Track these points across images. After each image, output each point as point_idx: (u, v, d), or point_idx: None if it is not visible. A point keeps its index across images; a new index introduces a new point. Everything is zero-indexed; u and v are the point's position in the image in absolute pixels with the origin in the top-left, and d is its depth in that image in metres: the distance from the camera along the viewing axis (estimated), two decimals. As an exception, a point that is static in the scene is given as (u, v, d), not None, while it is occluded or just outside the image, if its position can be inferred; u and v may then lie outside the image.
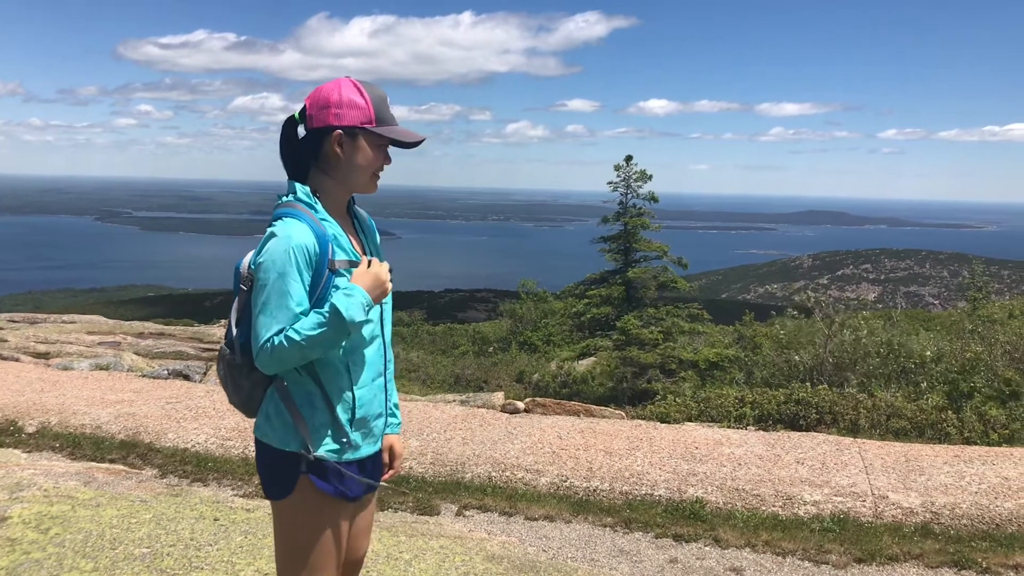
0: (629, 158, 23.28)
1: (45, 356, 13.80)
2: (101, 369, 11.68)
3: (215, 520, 4.82)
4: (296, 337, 2.26)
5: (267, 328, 2.29)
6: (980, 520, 5.79)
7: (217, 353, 2.54)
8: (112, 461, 7.13)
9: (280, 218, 2.40)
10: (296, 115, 2.50)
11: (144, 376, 11.11)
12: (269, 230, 2.38)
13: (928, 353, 11.07)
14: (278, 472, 2.42)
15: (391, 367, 2.64)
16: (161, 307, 73.46)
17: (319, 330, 2.27)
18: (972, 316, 16.57)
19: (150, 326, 21.20)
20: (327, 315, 2.29)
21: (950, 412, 8.46)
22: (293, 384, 2.42)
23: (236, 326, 2.45)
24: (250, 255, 2.48)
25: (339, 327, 2.29)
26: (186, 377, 11.06)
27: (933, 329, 15.79)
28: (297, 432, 2.39)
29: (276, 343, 2.26)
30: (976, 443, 7.79)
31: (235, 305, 2.47)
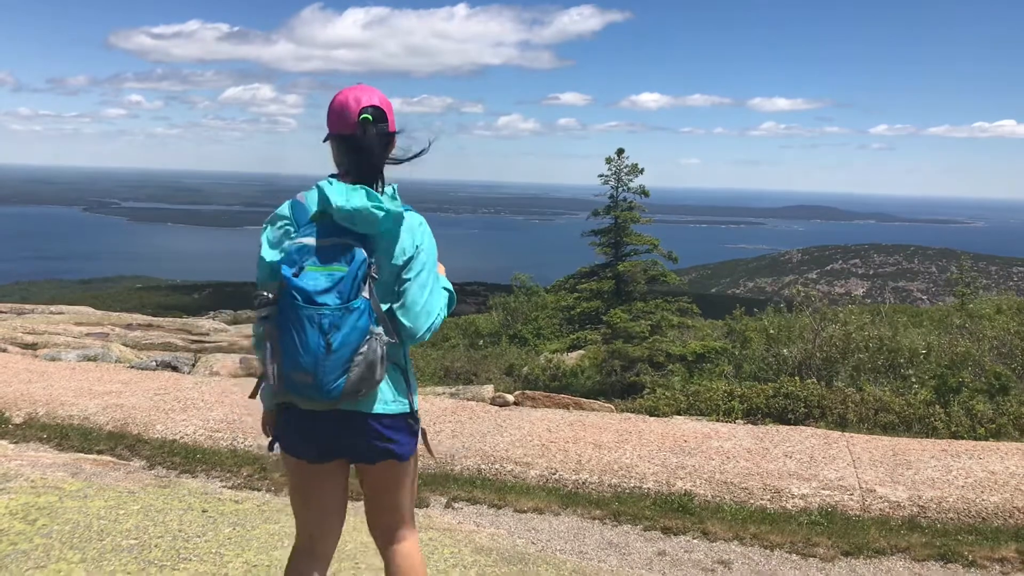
0: (621, 151, 23.21)
1: (32, 347, 13.74)
2: (89, 360, 11.63)
3: (203, 512, 4.81)
4: (446, 312, 2.81)
5: (437, 306, 2.75)
6: (967, 514, 5.82)
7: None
8: (100, 452, 7.10)
9: (409, 209, 2.75)
10: (370, 117, 2.71)
11: (132, 367, 11.06)
12: (416, 217, 2.78)
13: (921, 350, 11.12)
14: (412, 431, 2.82)
15: None
16: (149, 298, 73.19)
17: (447, 306, 2.85)
18: (960, 311, 16.64)
19: (138, 317, 21.14)
20: (449, 294, 2.89)
21: (938, 407, 8.49)
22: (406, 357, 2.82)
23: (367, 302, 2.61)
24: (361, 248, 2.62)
25: (452, 305, 2.90)
26: (174, 368, 11.02)
27: (921, 324, 15.87)
28: (411, 395, 2.83)
29: (443, 317, 2.77)
30: (963, 437, 7.83)
31: (369, 288, 2.61)
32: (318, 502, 2.82)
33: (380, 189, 2.76)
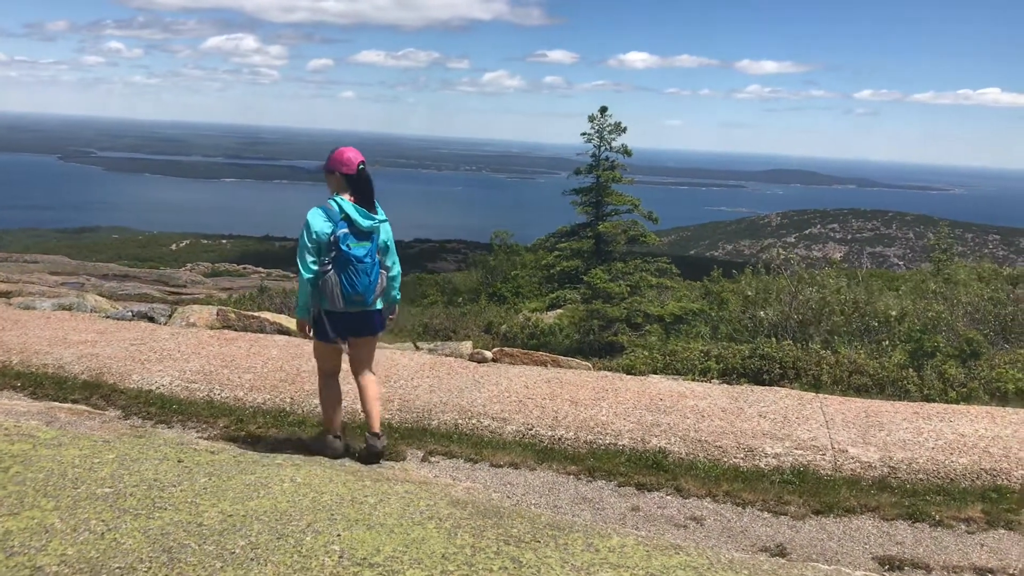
0: (604, 109, 23.08)
1: (6, 295, 13.61)
2: (64, 309, 11.54)
3: (179, 461, 4.79)
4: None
5: (398, 265, 5.72)
6: (935, 475, 5.91)
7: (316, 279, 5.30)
8: (75, 401, 7.06)
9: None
10: (363, 166, 5.36)
11: (108, 317, 10.98)
12: (384, 217, 5.44)
13: (892, 312, 11.22)
14: (384, 317, 5.67)
15: None
16: (126, 249, 72.51)
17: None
18: (935, 277, 16.79)
19: (115, 267, 20.98)
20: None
21: (911, 370, 8.59)
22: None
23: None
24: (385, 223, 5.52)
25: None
26: (151, 319, 10.94)
27: (897, 289, 16.00)
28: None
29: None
30: (935, 400, 7.93)
31: (379, 253, 5.46)
32: (335, 358, 5.69)
33: (374, 204, 5.38)
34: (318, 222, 5.22)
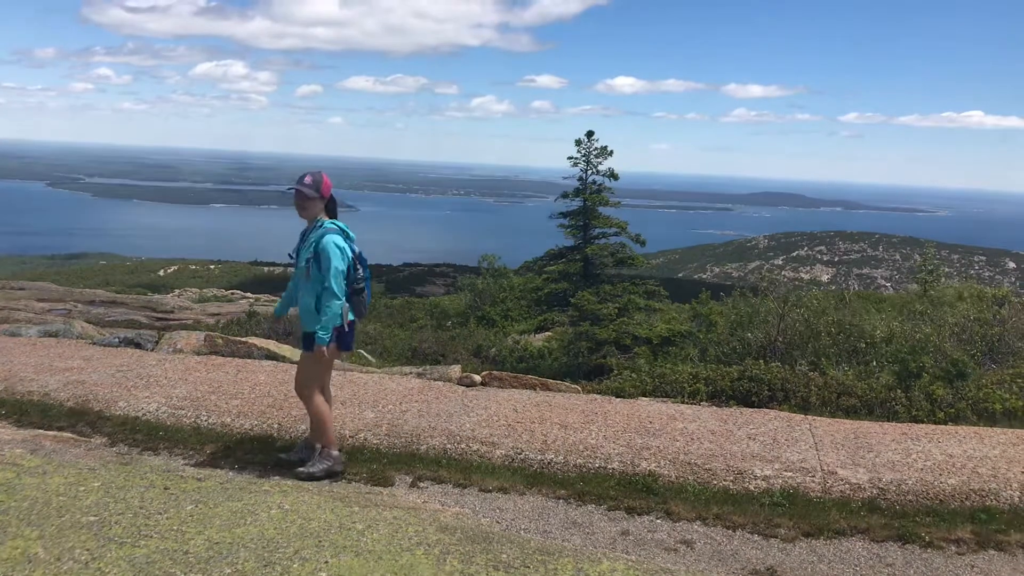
0: (590, 133, 23.22)
1: (-8, 322, 13.50)
2: (50, 336, 11.46)
3: (165, 489, 4.75)
4: None
5: None
6: (925, 496, 5.91)
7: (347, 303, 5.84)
8: (60, 429, 7.01)
9: None
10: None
11: (94, 344, 10.91)
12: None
13: (879, 333, 11.25)
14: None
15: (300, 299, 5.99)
16: (114, 275, 72.19)
17: None
18: (922, 298, 16.87)
19: (101, 294, 20.87)
20: None
21: (899, 391, 8.60)
22: None
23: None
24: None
25: None
26: (138, 345, 10.87)
27: (884, 310, 16.05)
28: None
29: None
30: (923, 421, 7.93)
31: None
32: (331, 369, 6.17)
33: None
34: (347, 246, 5.74)
